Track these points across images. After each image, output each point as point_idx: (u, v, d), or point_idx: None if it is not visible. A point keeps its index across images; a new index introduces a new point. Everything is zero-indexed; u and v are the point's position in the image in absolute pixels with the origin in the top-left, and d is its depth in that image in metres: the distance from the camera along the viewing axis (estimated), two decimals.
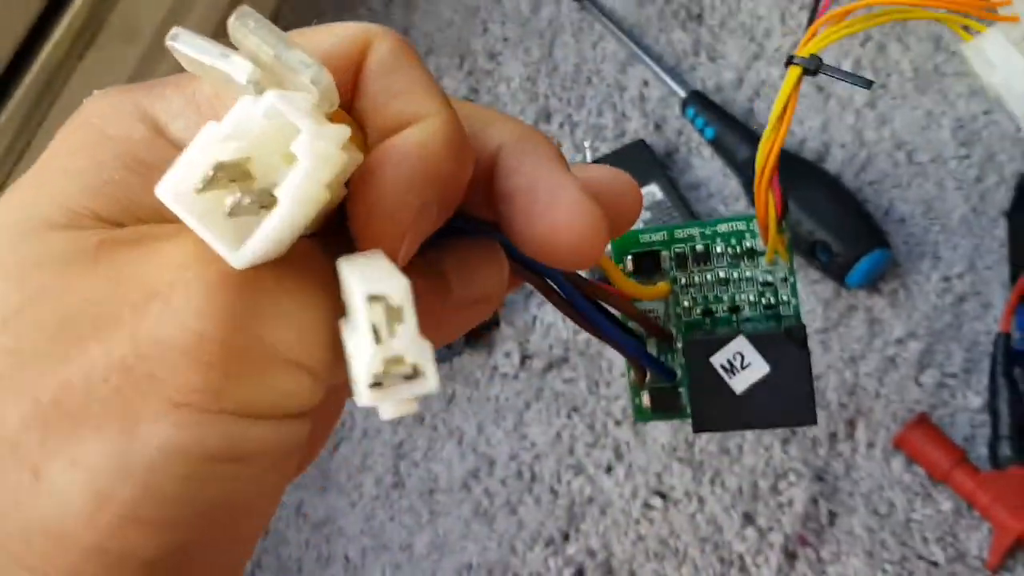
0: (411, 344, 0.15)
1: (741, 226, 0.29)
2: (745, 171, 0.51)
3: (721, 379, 0.27)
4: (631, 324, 0.29)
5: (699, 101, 0.54)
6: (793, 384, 0.27)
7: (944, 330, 0.48)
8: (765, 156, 0.28)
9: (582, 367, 0.50)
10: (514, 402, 0.49)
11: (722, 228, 0.29)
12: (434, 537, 0.47)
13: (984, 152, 0.52)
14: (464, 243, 0.19)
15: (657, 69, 0.56)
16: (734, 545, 0.45)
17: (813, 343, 0.48)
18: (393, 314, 0.15)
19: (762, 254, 0.29)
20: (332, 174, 0.15)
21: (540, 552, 0.46)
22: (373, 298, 0.15)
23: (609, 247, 0.30)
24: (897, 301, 0.49)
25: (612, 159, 0.53)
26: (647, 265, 0.29)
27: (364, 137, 0.18)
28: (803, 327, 0.27)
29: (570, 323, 0.51)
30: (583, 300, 0.25)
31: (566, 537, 0.47)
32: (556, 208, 0.17)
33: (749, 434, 0.47)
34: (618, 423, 0.48)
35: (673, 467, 0.47)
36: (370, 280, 0.15)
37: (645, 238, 0.29)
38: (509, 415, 0.49)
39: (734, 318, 0.29)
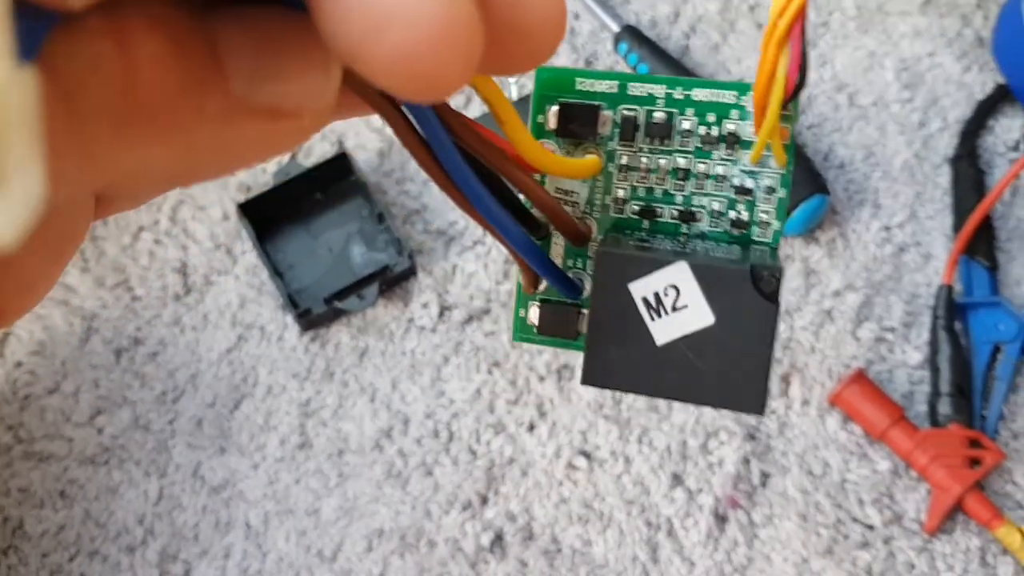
0: None
1: (729, 96, 0.20)
2: None
3: (639, 318, 0.18)
4: (530, 206, 0.20)
5: (632, 36, 0.50)
6: (742, 351, 0.18)
7: (883, 282, 0.46)
8: None
9: (504, 319, 0.47)
10: (431, 356, 0.46)
11: (700, 94, 0.20)
12: (343, 501, 0.44)
13: (928, 96, 0.49)
14: (271, 18, 0.12)
15: (588, 1, 0.52)
16: (662, 508, 0.43)
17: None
18: None
19: (748, 145, 0.20)
20: None
21: (457, 516, 0.43)
22: None
23: (526, 84, 0.20)
24: (835, 251, 0.46)
25: None
26: (579, 125, 0.20)
27: None
28: (779, 269, 0.18)
29: (493, 272, 0.48)
30: (450, 147, 0.15)
31: (484, 500, 0.44)
32: None
33: None
34: (542, 379, 0.45)
35: (599, 425, 0.44)
36: None
37: (584, 84, 0.20)
38: (426, 370, 0.46)
39: (683, 229, 0.21)
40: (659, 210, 0.21)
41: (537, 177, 0.20)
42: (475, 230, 0.48)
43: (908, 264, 0.46)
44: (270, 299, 0.47)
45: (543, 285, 0.21)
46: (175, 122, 0.11)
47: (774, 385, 0.44)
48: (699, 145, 0.20)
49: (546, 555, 0.42)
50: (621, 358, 0.19)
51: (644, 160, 0.21)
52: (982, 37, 0.50)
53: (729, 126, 0.20)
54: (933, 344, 0.43)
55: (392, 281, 0.47)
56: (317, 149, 0.51)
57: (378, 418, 0.45)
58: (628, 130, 0.20)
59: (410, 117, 0.15)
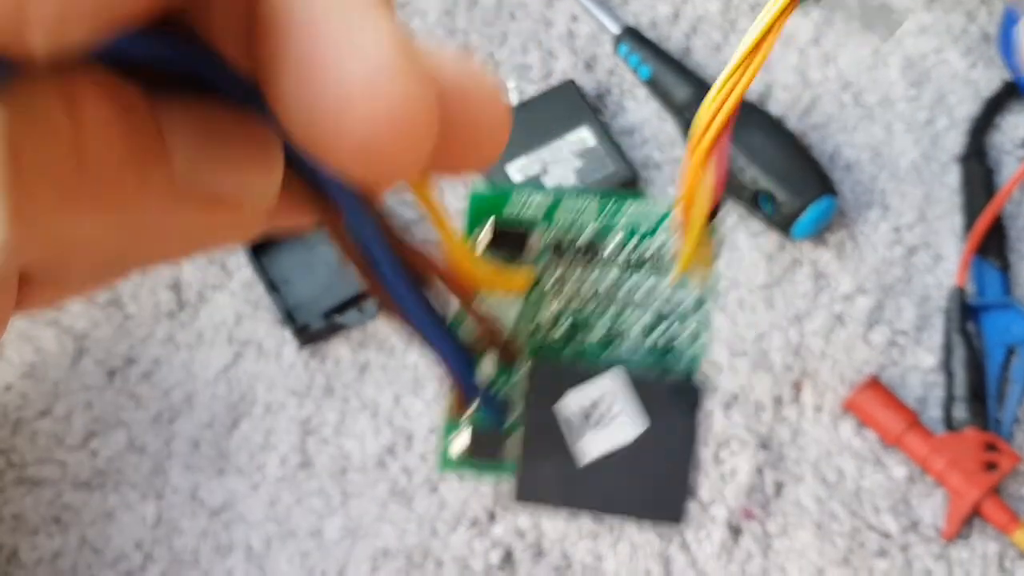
0: None
1: (653, 218, 0.21)
2: (683, 114, 0.47)
3: (567, 433, 0.19)
4: (460, 324, 0.20)
5: (633, 38, 0.49)
6: (666, 464, 0.19)
7: (894, 284, 0.45)
8: (715, 110, 0.19)
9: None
10: (434, 370, 0.45)
11: (626, 216, 0.20)
12: (346, 521, 0.43)
13: (934, 93, 0.48)
14: (213, 108, 0.12)
15: (588, 3, 0.51)
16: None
17: (756, 299, 0.45)
18: None
19: (672, 265, 0.20)
20: None
21: (464, 533, 0.42)
22: None
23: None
24: (844, 253, 0.46)
25: (539, 101, 0.48)
26: (508, 245, 0.20)
27: None
28: (700, 386, 0.19)
29: None
30: (389, 259, 0.15)
31: (492, 516, 0.43)
32: (352, 61, 0.10)
33: None
34: None
35: None
36: None
37: (516, 205, 0.21)
38: (428, 384, 0.45)
39: (609, 350, 0.21)
40: (585, 330, 0.21)
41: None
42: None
43: (918, 266, 0.45)
44: (267, 314, 0.46)
45: (470, 410, 0.21)
46: (117, 195, 0.11)
47: (785, 392, 0.43)
48: (625, 265, 0.21)
49: (557, 571, 0.41)
50: (553, 473, 0.19)
51: (572, 280, 0.21)
52: (988, 33, 0.49)
53: (657, 243, 0.21)
54: (947, 347, 0.43)
55: None
56: None
57: (381, 435, 0.44)
58: (557, 251, 0.21)
59: (351, 227, 0.15)
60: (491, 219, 0.20)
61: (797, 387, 0.43)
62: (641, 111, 0.49)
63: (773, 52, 0.50)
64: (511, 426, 0.20)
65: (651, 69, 0.48)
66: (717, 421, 0.43)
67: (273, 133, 0.12)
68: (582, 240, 0.21)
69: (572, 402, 0.19)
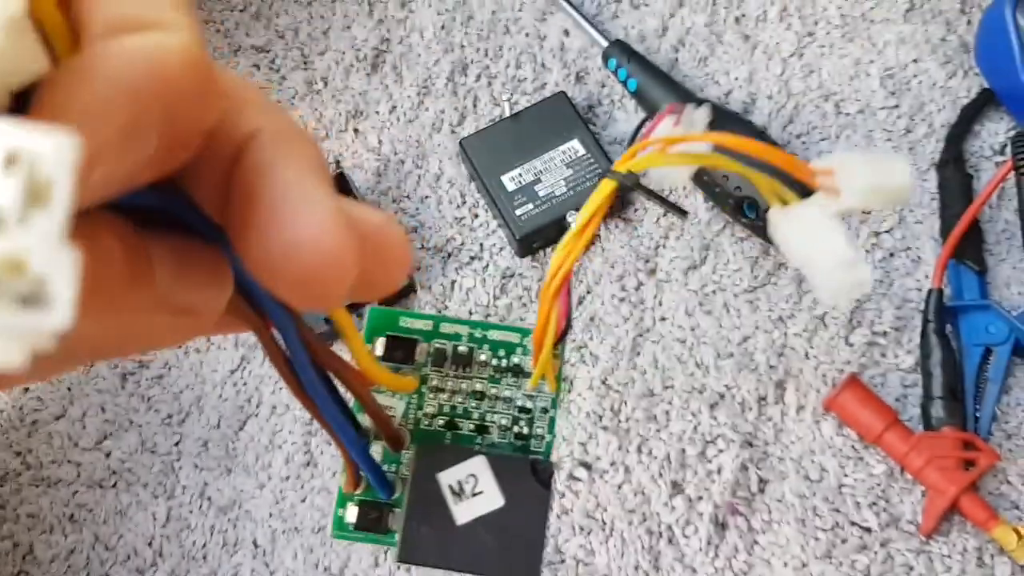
0: (45, 243, 0.10)
1: (515, 338, 0.26)
2: None
3: (444, 503, 0.24)
4: (360, 416, 0.24)
5: (621, 51, 0.51)
6: (524, 529, 0.23)
7: (874, 287, 0.47)
8: (559, 263, 0.24)
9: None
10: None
11: (494, 335, 0.26)
12: None
13: (914, 102, 0.50)
14: (186, 241, 0.16)
15: (578, 17, 0.53)
16: (662, 516, 0.43)
17: (741, 302, 0.47)
18: (36, 192, 0.10)
19: (529, 375, 0.26)
20: None
21: None
22: (10, 157, 0.10)
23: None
24: None
25: (532, 113, 0.50)
26: (400, 353, 0.26)
27: (71, 36, 0.13)
28: (552, 465, 0.24)
29: (491, 287, 0.48)
30: (307, 363, 0.20)
31: None
32: (302, 222, 0.14)
33: (676, 399, 0.45)
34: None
35: (599, 436, 0.45)
36: (14, 130, 0.10)
37: (406, 322, 0.26)
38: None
39: (478, 440, 0.26)
40: (460, 423, 0.26)
41: None
42: (472, 247, 0.49)
43: (898, 269, 0.47)
44: None
45: (361, 487, 0.25)
46: (117, 304, 0.14)
47: (770, 391, 0.45)
48: (493, 373, 0.26)
49: (550, 567, 0.43)
50: (430, 536, 0.23)
51: (450, 383, 0.26)
52: (966, 42, 0.51)
53: (515, 359, 0.26)
54: (924, 348, 0.44)
55: (392, 298, 0.48)
56: None
57: None
58: (438, 359, 0.26)
59: (276, 336, 0.19)
60: (385, 334, 0.25)
61: (780, 387, 0.45)
62: (630, 122, 0.51)
63: (758, 64, 0.52)
64: (396, 500, 0.25)
65: (638, 82, 0.50)
66: (703, 420, 0.45)
67: (228, 264, 0.17)
68: (458, 352, 0.26)
69: (448, 476, 0.24)
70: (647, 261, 0.48)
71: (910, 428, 0.43)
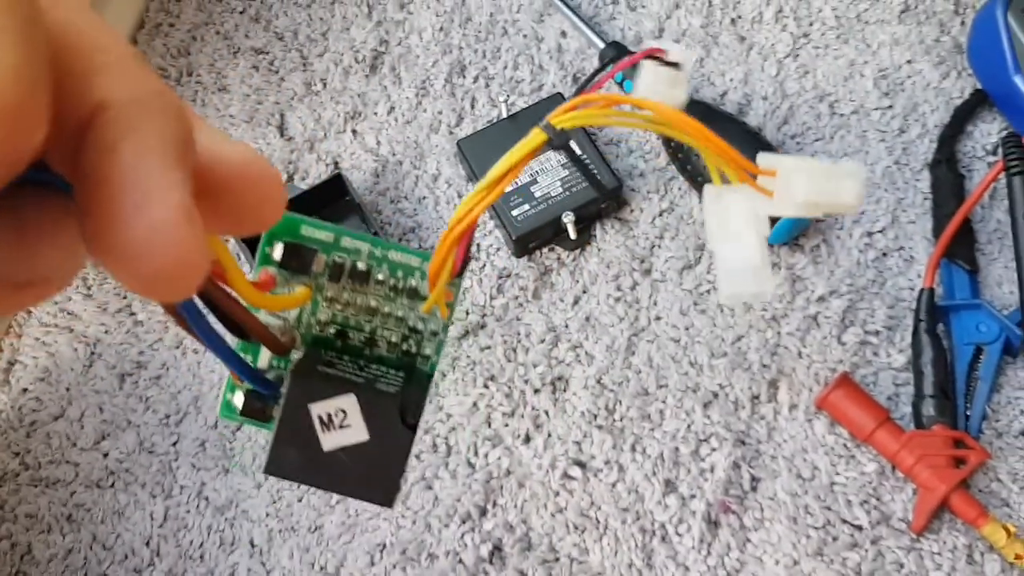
0: None
1: (414, 262, 0.26)
2: None
3: (312, 430, 0.25)
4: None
5: (618, 52, 0.51)
6: (384, 463, 0.25)
7: (867, 287, 0.47)
8: (465, 212, 0.24)
9: (499, 334, 0.48)
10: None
11: (393, 255, 0.26)
12: (345, 517, 0.45)
13: (907, 103, 0.50)
14: (28, 203, 0.15)
15: (575, 19, 0.53)
16: (656, 514, 0.44)
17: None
18: None
19: (424, 298, 0.26)
20: None
21: (456, 529, 0.44)
22: None
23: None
24: (819, 258, 0.47)
25: (529, 114, 0.51)
26: (297, 261, 0.26)
27: None
28: (419, 412, 0.25)
29: (488, 287, 0.49)
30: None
31: (483, 512, 0.45)
32: (139, 221, 0.13)
33: (670, 398, 0.45)
34: (536, 391, 0.46)
35: (593, 435, 0.45)
36: None
37: (307, 231, 0.26)
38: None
39: (367, 351, 0.27)
40: (351, 334, 0.27)
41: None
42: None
43: (891, 268, 0.47)
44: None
45: (245, 385, 0.26)
46: None
47: (763, 391, 0.45)
48: (388, 292, 0.26)
49: (544, 564, 0.43)
50: (297, 456, 0.25)
51: (345, 296, 0.27)
52: (960, 43, 0.51)
53: (412, 282, 0.26)
54: (916, 347, 0.44)
55: None
56: (313, 171, 0.52)
57: None
58: (336, 273, 0.26)
59: None
60: (283, 240, 0.26)
61: (773, 386, 0.45)
62: None
63: (753, 65, 0.52)
64: (278, 395, 0.26)
65: (634, 82, 0.50)
66: (697, 419, 0.45)
67: (73, 220, 0.15)
68: (357, 268, 0.26)
69: (319, 408, 0.25)
70: (642, 261, 0.48)
71: (901, 426, 0.43)
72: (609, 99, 0.25)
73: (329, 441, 0.24)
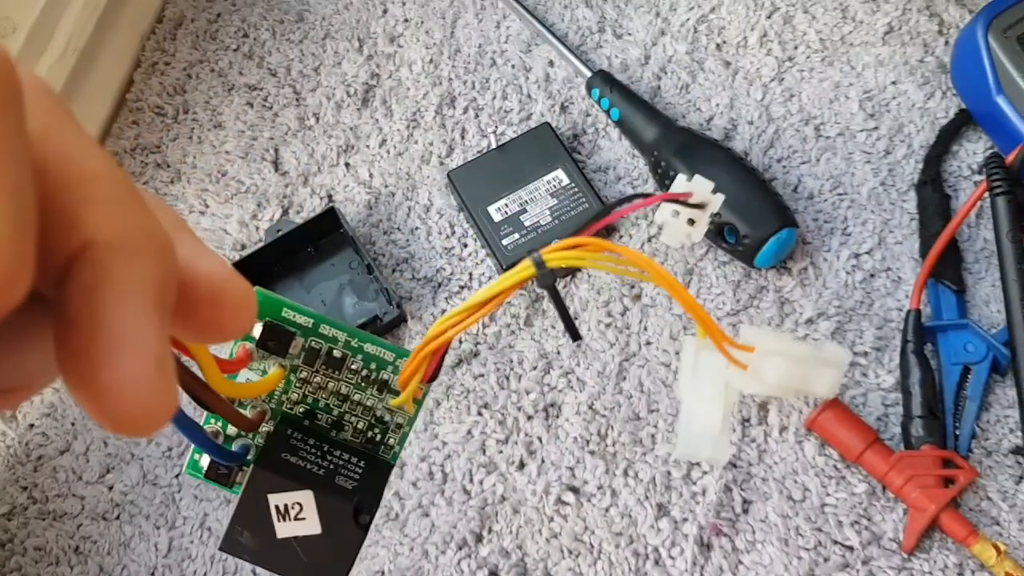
0: None
1: (388, 357, 0.27)
2: (651, 152, 0.50)
3: (269, 517, 0.26)
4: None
5: (604, 81, 0.52)
6: (332, 558, 0.26)
7: (855, 308, 0.47)
8: (441, 330, 0.25)
9: (492, 361, 0.48)
10: (423, 400, 0.48)
11: (369, 348, 0.27)
12: None
13: (893, 124, 0.51)
14: (20, 343, 0.15)
15: (562, 48, 0.54)
16: (649, 538, 0.44)
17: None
18: None
19: (394, 391, 0.27)
20: None
21: (453, 555, 0.45)
22: None
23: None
24: (807, 280, 0.48)
25: (518, 144, 0.51)
26: (275, 341, 0.26)
27: None
28: (372, 513, 0.27)
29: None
30: None
31: (479, 538, 0.45)
32: (110, 369, 0.13)
33: (661, 422, 0.46)
34: (529, 418, 0.47)
35: (586, 460, 0.46)
36: None
37: (288, 314, 0.27)
38: (419, 414, 0.48)
39: (333, 433, 0.28)
40: (320, 415, 0.28)
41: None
42: (461, 276, 0.50)
43: (879, 290, 0.48)
44: None
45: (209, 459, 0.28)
46: None
47: (753, 413, 0.46)
48: (360, 381, 0.27)
49: None
50: (251, 539, 0.26)
51: (318, 379, 0.27)
52: (944, 63, 0.51)
53: (384, 376, 0.27)
54: (904, 368, 0.45)
55: (383, 329, 0.49)
56: (307, 204, 0.53)
57: None
58: (312, 357, 0.27)
59: None
60: (265, 320, 0.27)
61: (763, 408, 0.46)
62: (614, 150, 0.52)
63: (739, 90, 0.53)
64: (246, 461, 0.27)
65: (620, 111, 0.51)
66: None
67: (48, 331, 0.15)
68: (332, 355, 0.27)
69: (277, 499, 0.26)
70: (632, 287, 0.49)
71: (891, 447, 0.44)
72: (601, 246, 0.25)
73: (284, 530, 0.26)
